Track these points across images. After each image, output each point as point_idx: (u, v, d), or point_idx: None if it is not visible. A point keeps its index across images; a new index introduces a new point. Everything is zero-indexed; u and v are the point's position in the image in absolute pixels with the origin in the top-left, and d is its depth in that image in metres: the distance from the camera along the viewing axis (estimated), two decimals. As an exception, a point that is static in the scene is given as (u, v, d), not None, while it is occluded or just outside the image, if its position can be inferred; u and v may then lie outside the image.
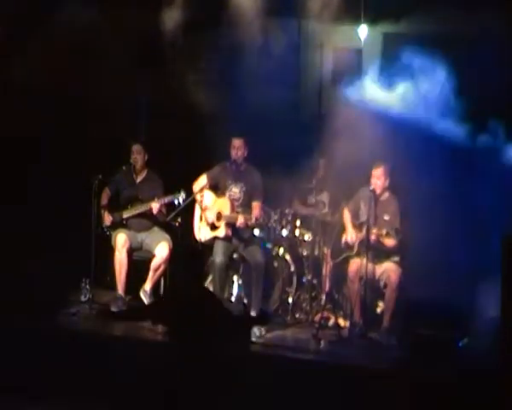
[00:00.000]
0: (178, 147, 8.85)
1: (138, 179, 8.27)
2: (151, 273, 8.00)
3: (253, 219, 7.62)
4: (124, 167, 8.19)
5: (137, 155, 8.16)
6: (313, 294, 8.21)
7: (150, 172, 8.28)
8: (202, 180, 7.99)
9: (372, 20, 8.47)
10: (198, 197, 7.87)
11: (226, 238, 7.78)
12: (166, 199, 7.95)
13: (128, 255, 8.05)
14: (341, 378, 6.64)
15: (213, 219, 7.86)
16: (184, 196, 7.85)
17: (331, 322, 7.91)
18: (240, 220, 7.62)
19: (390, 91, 8.39)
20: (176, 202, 7.87)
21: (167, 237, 8.12)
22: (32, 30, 8.40)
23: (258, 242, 7.94)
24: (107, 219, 8.12)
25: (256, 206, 7.89)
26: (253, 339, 7.34)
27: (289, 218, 8.37)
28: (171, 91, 8.83)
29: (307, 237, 8.39)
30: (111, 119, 8.81)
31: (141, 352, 6.59)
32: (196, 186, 7.97)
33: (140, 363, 6.43)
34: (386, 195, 7.85)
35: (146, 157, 8.19)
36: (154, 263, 7.98)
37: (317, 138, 8.20)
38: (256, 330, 7.46)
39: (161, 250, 7.99)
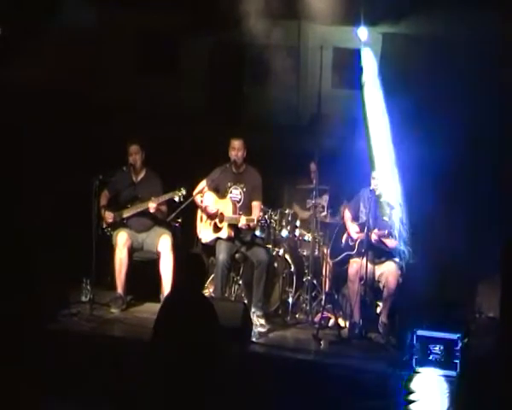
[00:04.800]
0: (178, 147, 8.87)
1: (137, 179, 8.29)
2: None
3: (254, 220, 7.62)
4: (124, 168, 8.20)
5: (135, 156, 8.18)
6: (313, 294, 8.22)
7: (149, 171, 8.30)
8: (202, 185, 7.99)
9: (372, 21, 8.49)
10: (198, 199, 7.88)
11: (229, 239, 7.80)
12: (166, 197, 7.97)
13: (129, 254, 8.07)
14: (341, 378, 6.65)
15: (216, 220, 7.87)
16: (184, 193, 7.86)
17: (331, 322, 7.92)
18: (242, 222, 7.62)
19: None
20: (176, 199, 7.89)
21: (168, 231, 8.16)
22: (33, 29, 8.41)
23: (259, 242, 7.94)
24: (108, 216, 8.14)
25: (256, 206, 7.90)
26: (253, 339, 7.35)
27: (289, 218, 8.38)
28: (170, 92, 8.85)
29: (307, 237, 8.41)
30: (111, 119, 8.83)
31: (141, 352, 6.58)
32: (197, 191, 7.98)
33: (140, 363, 6.43)
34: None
35: (144, 157, 8.21)
36: (163, 264, 8.00)
37: (317, 140, 8.21)
38: (256, 331, 7.48)
39: (164, 242, 8.02)
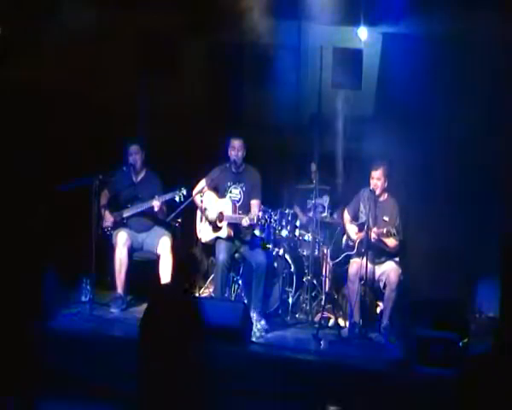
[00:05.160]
0: (178, 147, 8.87)
1: (137, 179, 8.30)
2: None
3: (253, 218, 7.62)
4: (124, 168, 8.20)
5: (135, 155, 8.18)
6: (313, 294, 8.22)
7: (149, 171, 8.30)
8: (202, 184, 8.00)
9: (372, 21, 8.49)
10: (198, 198, 7.88)
11: (228, 239, 7.80)
12: (167, 196, 7.98)
13: (128, 254, 8.07)
14: (341, 378, 6.65)
15: (215, 219, 7.87)
16: (185, 193, 7.87)
17: (331, 322, 7.92)
18: (241, 221, 7.62)
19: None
20: (177, 199, 7.90)
21: (168, 232, 8.16)
22: (32, 29, 8.41)
23: (259, 243, 7.93)
24: (108, 218, 8.15)
25: (255, 204, 7.90)
26: (253, 339, 7.36)
27: (289, 218, 8.37)
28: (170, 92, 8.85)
29: (307, 237, 8.40)
30: (111, 118, 8.82)
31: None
32: (196, 190, 7.98)
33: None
34: (386, 196, 7.86)
35: (144, 157, 8.21)
36: (162, 265, 7.99)
37: (317, 140, 8.21)
38: (256, 330, 7.48)
39: (164, 243, 8.01)
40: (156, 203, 7.94)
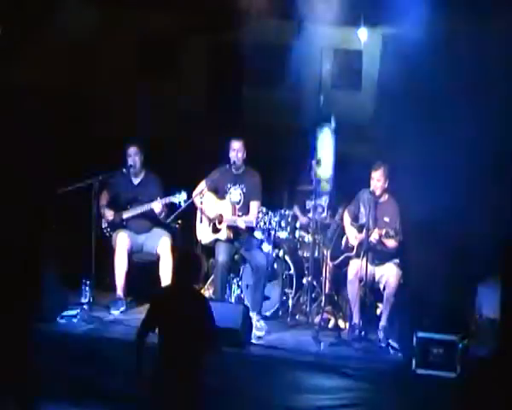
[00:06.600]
0: (178, 147, 8.87)
1: (137, 181, 8.28)
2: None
3: (252, 219, 7.62)
4: (123, 170, 8.19)
5: (134, 157, 8.16)
6: (313, 295, 8.21)
7: (148, 172, 8.29)
8: (202, 185, 7.99)
9: (372, 22, 8.49)
10: (198, 200, 7.87)
11: (228, 240, 7.80)
12: (168, 199, 7.97)
13: (128, 255, 8.06)
14: (341, 379, 6.66)
15: (215, 221, 7.87)
16: (185, 197, 7.86)
17: (331, 323, 7.92)
18: (240, 223, 7.62)
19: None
20: (177, 203, 7.89)
21: (167, 233, 8.16)
22: (32, 29, 8.41)
23: (259, 245, 7.93)
24: (108, 213, 8.13)
25: (254, 205, 7.90)
26: (253, 340, 7.35)
27: (289, 219, 8.36)
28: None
29: (307, 238, 8.40)
30: (111, 119, 8.83)
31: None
32: (196, 191, 7.97)
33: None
34: (386, 196, 7.84)
35: (143, 158, 8.20)
36: (162, 266, 7.98)
37: (317, 141, 8.21)
38: (256, 332, 7.47)
39: (164, 244, 8.01)
40: (157, 205, 7.93)
